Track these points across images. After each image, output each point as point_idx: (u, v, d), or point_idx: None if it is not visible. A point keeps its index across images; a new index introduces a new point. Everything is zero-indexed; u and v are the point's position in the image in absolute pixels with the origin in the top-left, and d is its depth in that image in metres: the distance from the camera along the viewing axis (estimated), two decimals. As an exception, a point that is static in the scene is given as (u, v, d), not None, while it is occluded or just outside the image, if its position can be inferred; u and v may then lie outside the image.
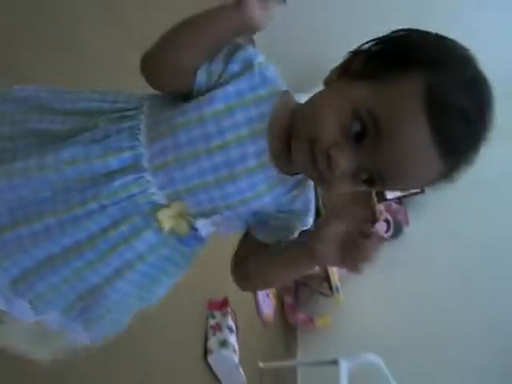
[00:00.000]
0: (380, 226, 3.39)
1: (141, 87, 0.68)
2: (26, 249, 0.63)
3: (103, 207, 0.62)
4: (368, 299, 3.10)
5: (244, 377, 1.96)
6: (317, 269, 3.21)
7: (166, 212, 0.64)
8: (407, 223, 3.48)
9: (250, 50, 0.64)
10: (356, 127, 0.57)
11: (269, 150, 0.64)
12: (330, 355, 2.41)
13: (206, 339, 1.91)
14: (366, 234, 0.58)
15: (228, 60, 0.63)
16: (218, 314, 1.98)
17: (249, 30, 0.61)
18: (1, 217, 0.63)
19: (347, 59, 0.62)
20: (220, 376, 1.93)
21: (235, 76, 0.62)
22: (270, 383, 2.57)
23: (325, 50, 3.59)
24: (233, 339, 1.91)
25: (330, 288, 3.10)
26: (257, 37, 3.63)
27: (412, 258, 3.19)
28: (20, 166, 0.62)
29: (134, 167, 0.62)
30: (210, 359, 1.87)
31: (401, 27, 0.61)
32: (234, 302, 2.09)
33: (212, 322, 1.95)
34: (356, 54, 0.62)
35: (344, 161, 0.58)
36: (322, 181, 0.61)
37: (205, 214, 0.66)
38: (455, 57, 0.57)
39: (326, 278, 3.15)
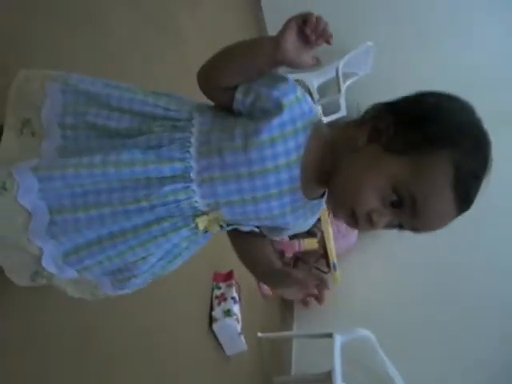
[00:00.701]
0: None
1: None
2: (80, 230, 0.74)
3: (153, 207, 0.72)
4: (364, 277, 3.19)
5: (245, 344, 2.07)
6: (315, 245, 3.31)
7: (203, 218, 0.74)
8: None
9: (289, 84, 0.70)
10: (394, 198, 0.67)
11: (300, 177, 0.72)
12: (324, 329, 2.54)
13: (212, 309, 2.02)
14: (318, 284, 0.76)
15: (266, 92, 0.70)
16: (223, 285, 2.09)
17: (283, 64, 0.68)
18: (64, 199, 0.72)
19: (373, 127, 0.70)
20: (223, 342, 2.04)
21: (271, 111, 0.69)
22: (267, 352, 2.70)
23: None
24: (236, 309, 2.02)
25: (328, 265, 3.19)
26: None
27: (408, 238, 3.27)
28: (86, 160, 0.71)
29: (183, 177, 0.71)
30: (215, 327, 1.97)
31: (421, 92, 0.70)
32: (238, 276, 2.19)
33: (217, 292, 2.06)
34: (380, 118, 0.70)
35: (383, 222, 0.69)
36: (361, 229, 0.72)
37: (236, 223, 0.77)
38: (469, 130, 0.67)
39: (324, 256, 3.25)
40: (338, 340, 2.39)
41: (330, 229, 3.07)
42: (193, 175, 0.71)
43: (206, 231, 0.77)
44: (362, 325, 2.58)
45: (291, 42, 0.65)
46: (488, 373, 2.58)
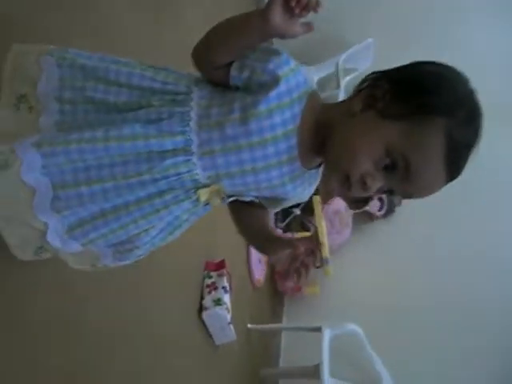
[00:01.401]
0: (373, 205, 3.48)
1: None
2: (84, 204, 0.75)
3: (155, 180, 0.74)
4: (356, 273, 3.20)
5: (234, 334, 2.07)
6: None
7: (205, 191, 0.75)
8: (400, 203, 3.57)
9: (283, 56, 0.72)
10: (388, 162, 0.68)
11: (297, 147, 0.74)
12: (314, 322, 2.54)
13: (202, 297, 2.02)
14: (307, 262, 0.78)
15: (261, 66, 0.71)
16: (214, 274, 2.09)
17: (273, 37, 0.69)
18: (66, 175, 0.73)
19: (369, 93, 0.71)
20: (212, 331, 2.03)
21: (268, 84, 0.71)
22: (256, 343, 2.71)
23: (327, 24, 3.63)
24: (226, 298, 2.01)
25: (321, 260, 3.21)
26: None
27: (400, 236, 3.30)
28: (88, 135, 0.72)
29: (184, 150, 0.73)
30: (204, 315, 1.97)
31: (420, 61, 0.72)
32: (229, 266, 2.19)
33: (208, 281, 2.05)
34: (376, 85, 0.71)
35: (376, 186, 0.70)
36: (351, 200, 0.73)
37: (236, 194, 0.79)
38: (464, 100, 0.68)
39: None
40: (327, 334, 2.40)
41: (323, 224, 3.08)
42: (193, 148, 0.73)
43: (207, 203, 0.78)
44: (351, 320, 2.60)
45: (278, 15, 0.65)
46: (474, 371, 2.61)
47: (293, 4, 0.64)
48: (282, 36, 0.68)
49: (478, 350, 2.64)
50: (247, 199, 0.81)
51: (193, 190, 0.76)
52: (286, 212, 3.29)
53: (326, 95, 3.39)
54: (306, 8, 0.64)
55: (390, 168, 0.69)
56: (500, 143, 2.78)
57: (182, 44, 2.08)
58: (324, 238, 3.13)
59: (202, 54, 0.74)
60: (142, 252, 0.85)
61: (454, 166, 0.68)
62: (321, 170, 0.83)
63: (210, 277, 2.07)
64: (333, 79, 3.35)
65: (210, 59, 0.73)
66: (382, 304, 2.91)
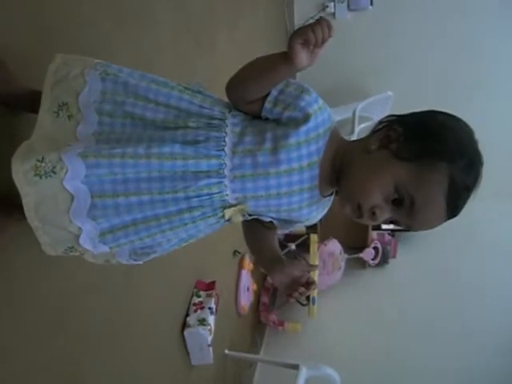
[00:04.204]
0: (368, 253, 3.51)
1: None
2: (120, 214, 0.80)
3: (188, 197, 0.79)
4: (340, 318, 3.20)
5: (212, 358, 2.06)
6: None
7: (231, 210, 0.82)
8: (394, 256, 3.59)
9: (312, 94, 0.79)
10: (396, 197, 0.75)
11: (318, 177, 0.81)
12: (291, 359, 2.52)
13: (187, 314, 2.02)
14: (308, 282, 0.85)
15: (294, 102, 0.78)
16: (203, 294, 2.09)
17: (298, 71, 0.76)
18: (105, 185, 0.78)
19: (385, 134, 0.78)
20: (190, 350, 2.03)
21: (299, 119, 0.78)
22: (230, 370, 2.68)
23: (352, 72, 3.75)
24: (211, 320, 2.01)
25: (307, 298, 3.20)
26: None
27: (390, 289, 3.32)
28: (131, 150, 0.77)
29: (217, 173, 0.79)
30: (186, 332, 1.97)
31: (432, 110, 0.80)
32: (218, 289, 2.19)
33: (196, 300, 2.06)
34: (392, 128, 0.78)
35: (384, 217, 0.77)
36: (362, 222, 0.80)
37: (257, 214, 0.85)
38: (466, 149, 0.75)
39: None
40: (304, 373, 2.37)
41: (317, 262, 3.09)
42: (226, 172, 0.79)
43: (229, 219, 0.84)
44: (328, 363, 2.58)
45: (303, 57, 0.72)
46: None
47: (312, 49, 0.70)
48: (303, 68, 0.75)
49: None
50: (265, 219, 0.87)
51: (220, 209, 0.82)
52: (281, 245, 3.31)
53: (339, 138, 3.45)
54: (323, 41, 0.70)
55: (397, 202, 0.76)
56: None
57: (214, 68, 2.18)
58: (315, 277, 3.13)
59: (235, 91, 0.81)
60: (156, 255, 0.90)
61: (454, 205, 0.75)
62: (333, 197, 0.91)
63: (199, 296, 2.08)
64: (348, 124, 3.43)
65: (242, 96, 0.80)
66: (362, 353, 2.90)
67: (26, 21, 1.06)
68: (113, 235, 0.82)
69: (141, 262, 0.92)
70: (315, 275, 3.10)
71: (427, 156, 0.74)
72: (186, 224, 0.82)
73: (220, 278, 2.27)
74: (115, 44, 1.44)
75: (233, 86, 0.80)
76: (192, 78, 1.95)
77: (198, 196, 0.79)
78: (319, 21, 0.69)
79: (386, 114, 3.01)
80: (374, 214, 0.77)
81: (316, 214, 0.89)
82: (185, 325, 1.99)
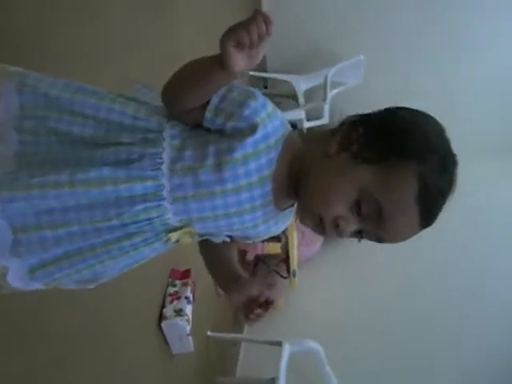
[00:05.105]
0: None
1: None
2: (47, 248, 0.70)
3: (124, 224, 0.69)
4: (321, 289, 3.21)
5: (192, 346, 2.04)
6: (278, 250, 3.30)
7: (176, 233, 0.72)
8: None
9: (259, 100, 0.68)
10: (361, 205, 0.66)
11: (271, 192, 0.71)
12: (275, 336, 2.52)
13: (164, 306, 1.97)
14: (266, 302, 0.77)
15: (237, 111, 0.67)
16: (178, 283, 2.04)
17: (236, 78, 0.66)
18: (27, 218, 0.68)
19: (345, 135, 0.69)
20: (169, 341, 2.00)
21: (244, 130, 0.67)
22: (214, 352, 2.67)
23: (321, 36, 3.62)
24: (188, 310, 1.97)
25: (288, 271, 3.18)
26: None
27: (371, 254, 3.31)
28: (52, 178, 0.66)
29: (155, 195, 0.68)
30: (164, 324, 1.93)
31: (397, 106, 0.71)
32: (195, 273, 2.15)
33: (172, 290, 2.01)
34: (352, 129, 0.69)
35: (350, 229, 0.68)
36: (327, 236, 0.71)
37: (208, 235, 0.75)
38: (436, 147, 0.66)
39: (286, 261, 3.23)
40: (287, 349, 2.39)
41: (295, 235, 3.06)
42: (165, 193, 0.69)
43: (177, 241, 0.75)
44: (312, 336, 2.58)
45: (239, 61, 0.61)
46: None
47: (248, 46, 0.59)
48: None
49: (442, 375, 2.66)
50: (218, 240, 0.78)
51: (163, 233, 0.73)
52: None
53: (311, 106, 3.37)
54: (260, 40, 0.59)
55: (363, 211, 0.67)
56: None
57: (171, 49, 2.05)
58: (294, 250, 3.11)
59: (170, 101, 0.70)
60: (105, 279, 0.81)
61: (427, 212, 0.66)
62: (294, 208, 0.81)
63: (174, 285, 2.03)
64: (320, 91, 3.33)
65: (179, 105, 0.69)
66: (344, 323, 2.92)
67: None
68: (44, 271, 0.72)
69: (92, 287, 0.83)
70: (294, 247, 3.08)
71: (392, 156, 0.65)
72: (127, 252, 0.73)
73: (196, 262, 2.20)
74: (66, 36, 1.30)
75: (167, 94, 0.69)
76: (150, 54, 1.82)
77: (134, 222, 0.69)
78: (254, 16, 0.57)
79: (359, 79, 2.93)
80: (337, 226, 0.67)
81: (276, 229, 0.80)
82: (161, 316, 1.95)
